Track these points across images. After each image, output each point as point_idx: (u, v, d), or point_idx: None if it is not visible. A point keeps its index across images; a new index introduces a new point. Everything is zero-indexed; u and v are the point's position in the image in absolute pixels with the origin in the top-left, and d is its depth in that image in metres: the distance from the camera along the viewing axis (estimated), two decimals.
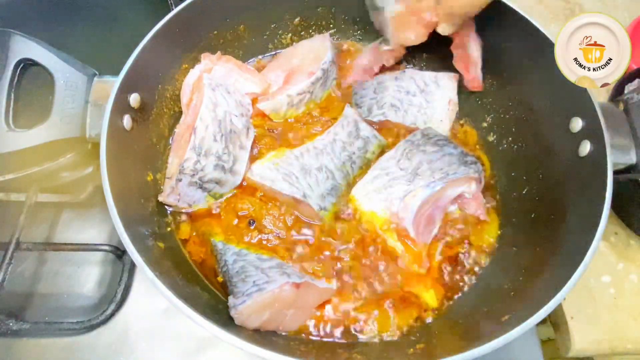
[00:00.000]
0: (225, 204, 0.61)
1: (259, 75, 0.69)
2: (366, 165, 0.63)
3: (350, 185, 0.62)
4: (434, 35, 0.63)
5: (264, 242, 0.58)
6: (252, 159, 0.63)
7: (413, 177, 0.59)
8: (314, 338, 0.54)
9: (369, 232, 0.59)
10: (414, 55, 0.73)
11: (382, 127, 0.67)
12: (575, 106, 0.55)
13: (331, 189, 0.60)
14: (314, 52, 0.69)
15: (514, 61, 0.63)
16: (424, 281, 0.57)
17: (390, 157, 0.62)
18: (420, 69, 0.74)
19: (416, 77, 0.69)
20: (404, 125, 0.67)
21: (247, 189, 0.61)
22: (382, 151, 0.64)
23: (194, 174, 0.57)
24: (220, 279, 0.56)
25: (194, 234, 0.59)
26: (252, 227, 0.59)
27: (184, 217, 0.60)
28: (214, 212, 0.61)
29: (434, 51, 0.70)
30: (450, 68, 0.68)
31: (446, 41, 0.65)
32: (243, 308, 0.49)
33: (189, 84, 0.64)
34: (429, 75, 0.69)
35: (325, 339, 0.54)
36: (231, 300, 0.50)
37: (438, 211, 0.60)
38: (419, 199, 0.57)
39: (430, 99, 0.68)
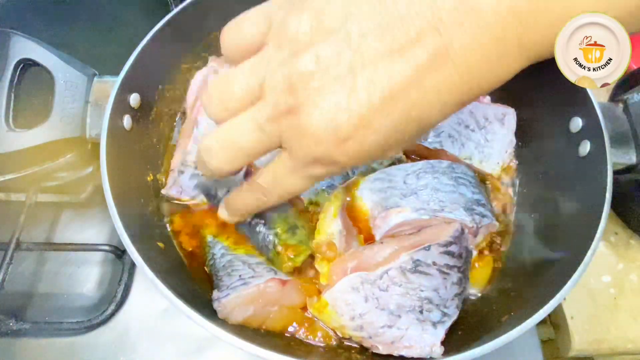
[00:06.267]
0: None
1: None
2: (370, 172, 0.60)
3: (349, 186, 0.61)
4: None
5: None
6: None
7: (410, 194, 0.54)
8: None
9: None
10: None
11: (434, 155, 0.61)
12: (575, 106, 0.55)
13: (327, 186, 0.60)
14: None
15: None
16: None
17: (403, 168, 0.58)
18: None
19: (476, 112, 0.61)
20: (458, 159, 0.61)
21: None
22: (392, 163, 0.61)
23: (196, 167, 0.56)
24: (207, 268, 0.55)
25: (187, 226, 0.59)
26: None
27: (179, 209, 0.60)
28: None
29: None
30: None
31: None
32: (226, 301, 0.48)
33: (196, 85, 0.64)
34: (493, 110, 0.61)
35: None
36: (215, 293, 0.50)
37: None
38: (401, 217, 0.52)
39: (490, 138, 0.61)
